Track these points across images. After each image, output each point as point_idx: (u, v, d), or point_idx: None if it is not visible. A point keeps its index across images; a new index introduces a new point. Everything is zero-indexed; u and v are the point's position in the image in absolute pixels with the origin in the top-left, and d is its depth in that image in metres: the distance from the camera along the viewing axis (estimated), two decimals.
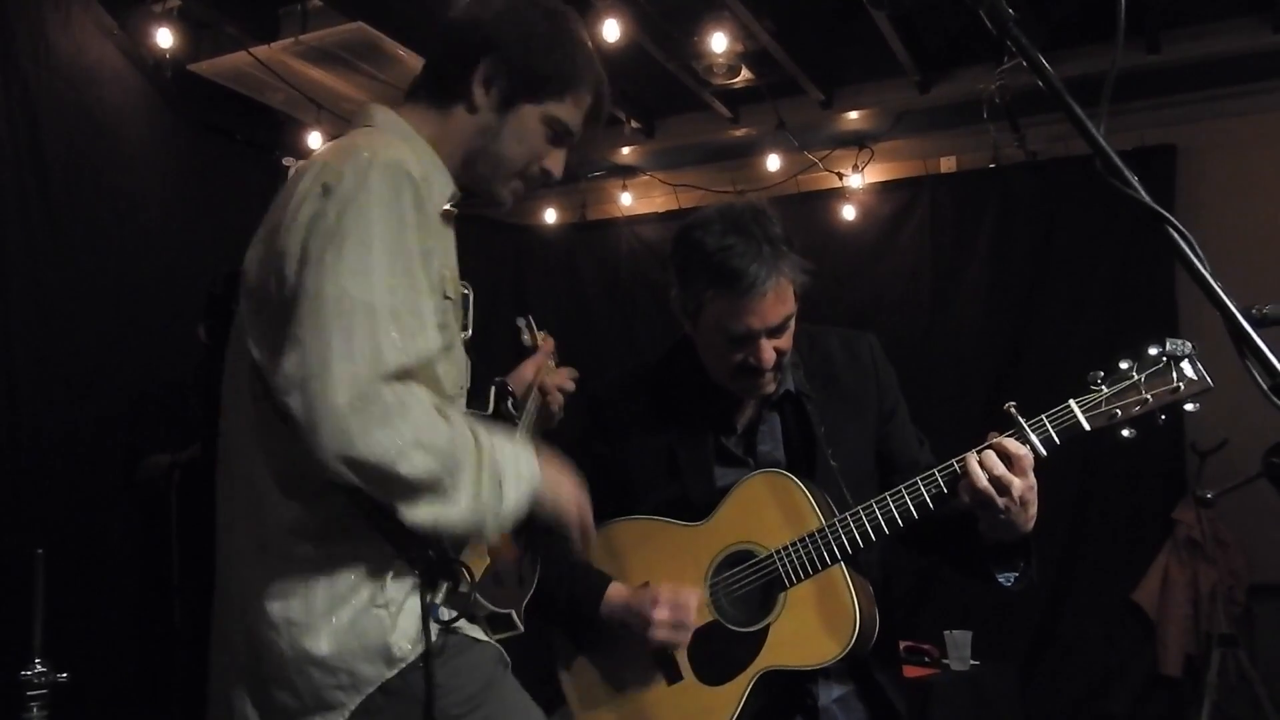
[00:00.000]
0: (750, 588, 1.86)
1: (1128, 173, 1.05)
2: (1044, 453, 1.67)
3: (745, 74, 4.17)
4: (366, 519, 1.34)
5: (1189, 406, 1.65)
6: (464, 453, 1.31)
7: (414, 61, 3.74)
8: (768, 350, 1.81)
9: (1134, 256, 4.42)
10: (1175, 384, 1.63)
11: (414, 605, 1.35)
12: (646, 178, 5.19)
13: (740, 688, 1.82)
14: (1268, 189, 4.31)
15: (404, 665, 1.32)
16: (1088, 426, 1.67)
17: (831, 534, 1.79)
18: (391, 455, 1.23)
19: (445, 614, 1.35)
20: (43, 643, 1.89)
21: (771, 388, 1.90)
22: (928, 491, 1.75)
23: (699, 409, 1.95)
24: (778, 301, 1.80)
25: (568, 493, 1.50)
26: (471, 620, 1.45)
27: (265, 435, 1.38)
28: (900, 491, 1.77)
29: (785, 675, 1.82)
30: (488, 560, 1.45)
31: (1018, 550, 1.79)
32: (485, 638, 1.45)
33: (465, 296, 1.60)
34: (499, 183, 1.54)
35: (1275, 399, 0.91)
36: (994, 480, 1.65)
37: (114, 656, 3.02)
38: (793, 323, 1.85)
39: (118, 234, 3.38)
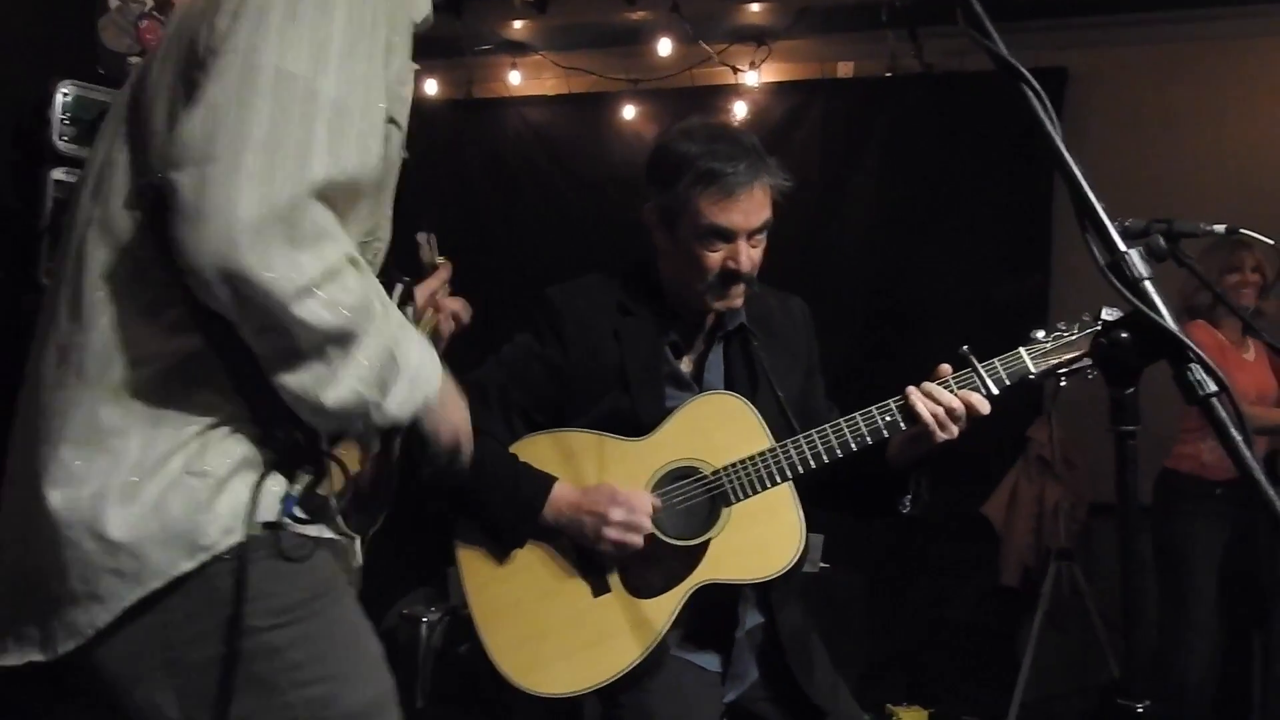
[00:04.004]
0: (691, 503, 1.84)
1: (988, 25, 0.95)
2: (996, 392, 1.79)
3: None
4: (226, 370, 1.08)
5: None
6: (367, 324, 1.07)
7: None
8: (747, 252, 1.84)
9: (1016, 181, 4.43)
10: None
11: (243, 486, 1.10)
12: (537, 57, 4.95)
13: (674, 601, 1.80)
14: (1154, 120, 4.33)
15: (206, 558, 1.07)
16: (1033, 370, 1.81)
17: (784, 454, 1.82)
18: (287, 290, 0.99)
19: (299, 514, 1.11)
20: None
21: (739, 301, 1.91)
22: (882, 419, 1.81)
23: (655, 332, 1.94)
24: (762, 203, 1.85)
25: (455, 418, 1.32)
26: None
27: (117, 243, 1.10)
28: (855, 418, 1.82)
29: (719, 592, 1.82)
30: (359, 467, 1.23)
31: (909, 476, 1.88)
32: (330, 535, 1.19)
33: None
34: None
35: (1110, 275, 0.85)
36: (949, 410, 1.77)
37: None
38: (765, 238, 1.88)
39: None
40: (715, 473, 1.84)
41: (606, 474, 1.85)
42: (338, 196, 1.05)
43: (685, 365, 1.97)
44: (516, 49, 4.91)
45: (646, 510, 1.80)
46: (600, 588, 1.82)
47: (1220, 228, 1.79)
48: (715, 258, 1.85)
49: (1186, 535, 3.45)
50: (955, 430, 1.77)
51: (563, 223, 4.96)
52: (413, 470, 1.35)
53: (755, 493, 1.82)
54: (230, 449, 1.10)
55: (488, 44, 4.89)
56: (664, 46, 4.62)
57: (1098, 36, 4.40)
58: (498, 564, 1.84)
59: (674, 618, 1.79)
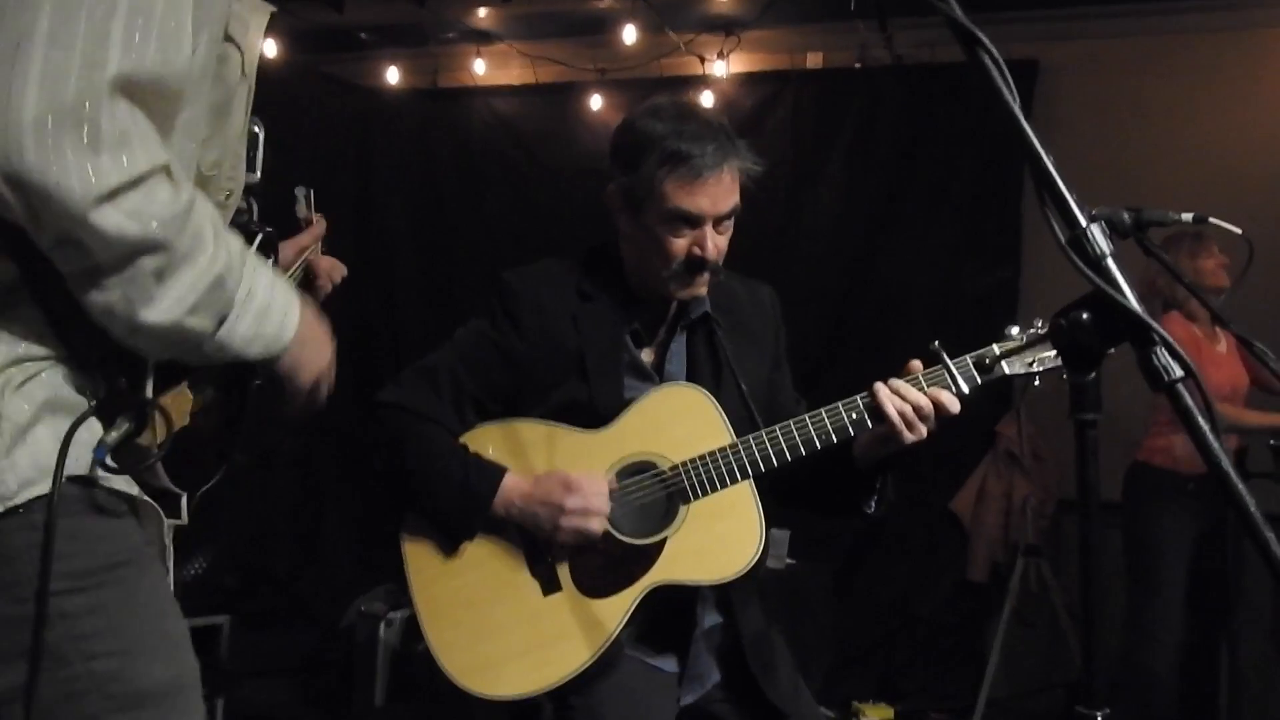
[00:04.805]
0: (647, 500, 1.78)
1: None
2: (966, 391, 1.72)
3: None
4: (40, 304, 1.00)
5: None
6: (189, 241, 0.99)
7: None
8: (714, 239, 1.77)
9: (986, 172, 4.41)
10: None
11: (48, 433, 1.00)
12: (503, 46, 4.87)
13: (627, 601, 1.73)
14: (1125, 112, 4.32)
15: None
16: (1007, 370, 1.74)
17: (745, 450, 1.75)
18: (81, 195, 0.91)
19: (111, 464, 1.02)
20: None
21: (704, 290, 1.84)
22: (848, 416, 1.74)
23: (615, 319, 1.86)
24: (730, 188, 1.77)
25: (318, 361, 1.22)
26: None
27: None
28: (820, 414, 1.75)
29: (675, 592, 1.76)
30: (187, 420, 1.14)
31: (874, 477, 1.82)
32: (139, 495, 1.10)
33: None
34: None
35: (1070, 252, 0.79)
36: (917, 409, 1.70)
37: None
38: (732, 224, 1.81)
39: None
40: (674, 468, 1.77)
41: (559, 467, 1.77)
42: (148, 98, 0.97)
43: (646, 355, 1.90)
44: (482, 38, 4.82)
45: (602, 493, 1.73)
46: (550, 586, 1.75)
47: (1188, 216, 1.74)
48: (680, 244, 1.78)
49: (1158, 530, 3.41)
50: (924, 431, 1.71)
51: (529, 213, 4.89)
52: (263, 415, 1.24)
53: (715, 490, 1.75)
54: (34, 392, 1.00)
55: (452, 32, 4.80)
56: (629, 35, 4.55)
57: (1068, 29, 4.39)
58: (445, 560, 1.77)
59: (627, 618, 1.73)
